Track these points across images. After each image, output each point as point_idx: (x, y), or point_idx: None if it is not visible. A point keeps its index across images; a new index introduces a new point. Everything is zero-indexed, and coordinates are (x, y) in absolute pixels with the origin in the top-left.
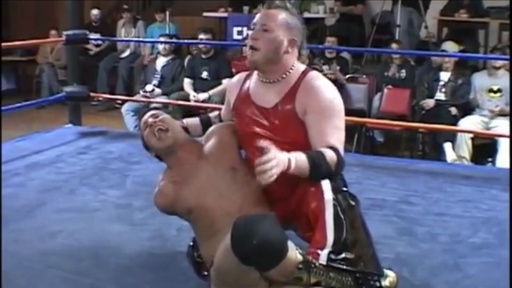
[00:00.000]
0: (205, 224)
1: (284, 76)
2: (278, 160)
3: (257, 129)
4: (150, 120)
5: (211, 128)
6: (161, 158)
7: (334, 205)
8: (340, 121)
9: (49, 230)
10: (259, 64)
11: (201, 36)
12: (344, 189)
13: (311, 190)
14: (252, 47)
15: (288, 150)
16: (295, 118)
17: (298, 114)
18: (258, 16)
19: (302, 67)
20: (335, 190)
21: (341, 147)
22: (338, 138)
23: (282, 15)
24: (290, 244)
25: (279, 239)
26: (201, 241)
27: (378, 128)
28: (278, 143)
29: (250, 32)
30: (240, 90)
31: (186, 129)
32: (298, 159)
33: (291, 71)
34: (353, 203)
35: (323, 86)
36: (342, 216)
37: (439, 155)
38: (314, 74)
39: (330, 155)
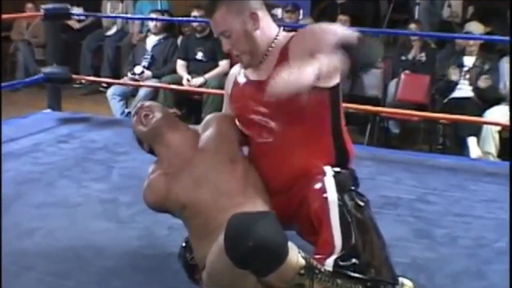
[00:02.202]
0: (199, 222)
1: (272, 46)
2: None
3: (256, 108)
4: (136, 109)
5: (208, 117)
6: (154, 151)
7: (340, 206)
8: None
9: (26, 227)
10: (255, 62)
11: (194, 13)
12: (351, 187)
13: (313, 189)
14: (237, 56)
15: (292, 126)
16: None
17: None
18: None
19: (289, 34)
20: (340, 189)
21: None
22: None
23: (222, 11)
24: (291, 246)
25: (279, 240)
26: (195, 241)
27: (393, 118)
28: (279, 117)
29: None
30: (236, 78)
31: (179, 116)
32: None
33: (277, 38)
34: (361, 203)
35: (312, 26)
36: (348, 217)
37: (462, 150)
38: (303, 28)
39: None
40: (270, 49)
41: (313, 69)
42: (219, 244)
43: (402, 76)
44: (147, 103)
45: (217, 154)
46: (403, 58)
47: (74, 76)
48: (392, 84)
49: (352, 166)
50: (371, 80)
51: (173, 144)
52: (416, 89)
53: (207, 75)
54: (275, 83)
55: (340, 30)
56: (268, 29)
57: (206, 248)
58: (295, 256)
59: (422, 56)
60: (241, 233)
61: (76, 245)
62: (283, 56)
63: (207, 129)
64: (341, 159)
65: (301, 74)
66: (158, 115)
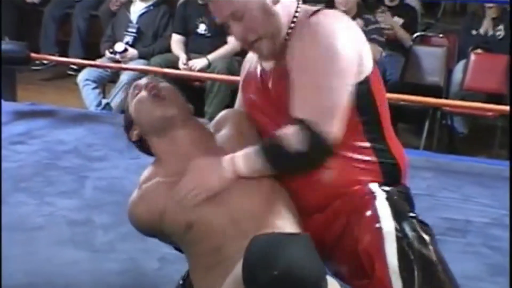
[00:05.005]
0: (208, 247)
1: (292, 25)
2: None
3: (258, 101)
4: (145, 81)
5: (222, 113)
6: (145, 148)
7: (398, 239)
8: (336, 77)
9: None
10: (277, 48)
11: None
12: (411, 213)
13: (362, 216)
14: (251, 44)
15: None
16: (287, 78)
17: (288, 71)
18: (213, 12)
19: (308, 12)
20: (398, 215)
21: (324, 117)
22: (320, 104)
23: None
24: (332, 281)
25: (314, 269)
26: (199, 273)
27: (460, 113)
28: (276, 120)
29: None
30: (250, 63)
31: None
32: (247, 157)
33: (297, 13)
34: (426, 236)
35: (323, 24)
36: (410, 254)
37: None
38: (324, 13)
39: (288, 135)
40: (291, 25)
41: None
42: (235, 275)
43: (472, 56)
44: (161, 81)
45: None
46: (474, 32)
47: (32, 54)
48: (458, 68)
49: (406, 180)
50: (430, 62)
51: (182, 144)
52: (492, 75)
53: (211, 55)
54: (178, 191)
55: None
56: (286, 9)
57: (215, 283)
58: None
59: (500, 30)
60: (265, 259)
61: (36, 282)
62: (286, 45)
63: (222, 129)
64: (389, 173)
65: (208, 179)
66: (175, 103)
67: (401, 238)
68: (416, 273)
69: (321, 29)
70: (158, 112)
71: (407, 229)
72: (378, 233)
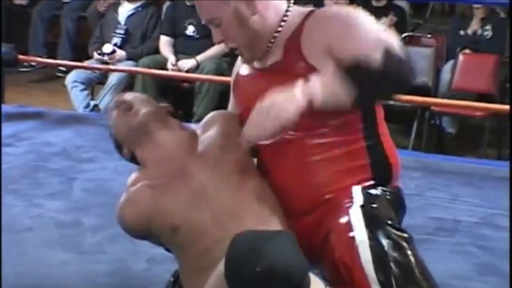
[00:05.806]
0: (195, 250)
1: (278, 31)
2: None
3: (260, 96)
4: (113, 103)
5: (210, 115)
6: (138, 160)
7: (372, 247)
8: (369, 24)
9: None
10: (257, 55)
11: None
12: (388, 220)
13: (337, 224)
14: (234, 49)
15: (310, 123)
16: (303, 63)
17: (306, 57)
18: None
19: (304, 10)
20: (371, 223)
21: (389, 42)
22: (376, 36)
23: None
24: (315, 279)
25: (296, 266)
26: (187, 275)
27: (448, 113)
28: None
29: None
30: (240, 67)
31: (172, 113)
32: (323, 82)
33: (286, 17)
34: (403, 243)
35: (337, 9)
36: (386, 262)
37: None
38: (324, 9)
39: (366, 56)
40: (276, 34)
41: (303, 97)
42: (219, 272)
43: (461, 56)
44: (129, 94)
45: (222, 162)
46: (462, 32)
47: (20, 56)
48: (446, 68)
49: (398, 181)
50: (419, 62)
51: (164, 146)
52: (480, 75)
53: (199, 57)
54: (247, 128)
55: (381, 31)
56: (272, 11)
57: (204, 286)
58: None
59: (488, 30)
60: (247, 255)
61: (25, 284)
62: (295, 36)
63: (209, 130)
64: (381, 173)
65: (282, 108)
66: (143, 109)
67: (374, 246)
68: (393, 279)
69: (337, 10)
70: (132, 121)
71: (381, 237)
72: (352, 243)
